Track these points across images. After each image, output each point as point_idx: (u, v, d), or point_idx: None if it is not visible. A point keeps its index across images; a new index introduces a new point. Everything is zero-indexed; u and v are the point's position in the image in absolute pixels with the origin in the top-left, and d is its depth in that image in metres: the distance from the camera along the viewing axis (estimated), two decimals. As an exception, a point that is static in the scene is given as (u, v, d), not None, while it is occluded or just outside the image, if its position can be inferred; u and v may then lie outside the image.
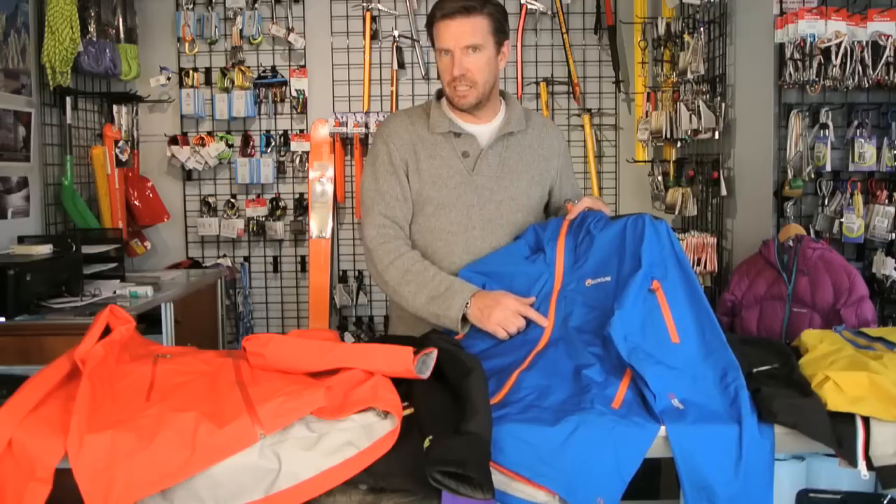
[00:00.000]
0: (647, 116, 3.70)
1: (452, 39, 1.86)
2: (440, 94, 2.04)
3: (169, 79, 3.96)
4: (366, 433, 1.29)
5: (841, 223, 2.74)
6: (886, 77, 2.63)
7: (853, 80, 2.64)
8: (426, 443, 1.26)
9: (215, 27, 3.97)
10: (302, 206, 4.07)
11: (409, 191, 1.97)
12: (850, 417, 1.38)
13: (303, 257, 4.12)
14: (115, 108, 3.91)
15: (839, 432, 1.37)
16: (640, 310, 1.58)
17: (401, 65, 3.99)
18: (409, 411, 1.36)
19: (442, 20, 1.88)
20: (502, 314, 1.71)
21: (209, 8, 3.97)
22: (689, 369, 1.48)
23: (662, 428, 1.35)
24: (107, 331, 1.57)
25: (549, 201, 2.11)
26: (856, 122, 2.79)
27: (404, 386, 1.43)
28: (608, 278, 1.69)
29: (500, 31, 1.92)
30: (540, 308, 1.73)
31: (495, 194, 1.96)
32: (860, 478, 1.36)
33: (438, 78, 3.95)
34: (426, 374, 1.45)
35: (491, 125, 2.00)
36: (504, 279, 1.83)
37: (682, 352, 1.51)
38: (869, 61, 2.64)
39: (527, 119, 2.04)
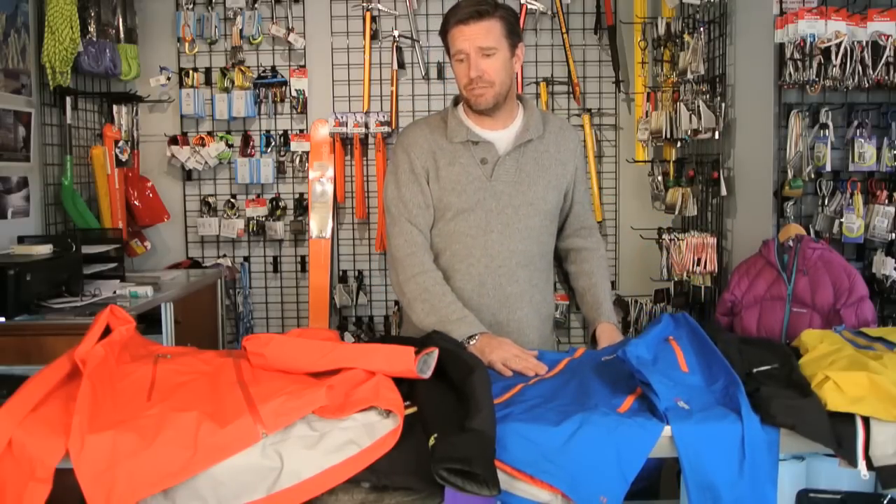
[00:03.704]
0: (647, 116, 3.70)
1: (467, 43, 1.90)
2: (456, 101, 2.06)
3: (169, 79, 3.96)
4: (367, 432, 1.30)
5: (841, 223, 2.74)
6: (886, 77, 2.62)
7: (853, 80, 2.64)
8: (431, 441, 1.26)
9: (215, 27, 3.96)
10: (302, 206, 4.07)
11: (431, 198, 2.00)
12: (849, 417, 1.38)
13: (303, 257, 4.12)
14: (115, 108, 3.90)
15: (839, 432, 1.37)
16: (654, 348, 1.63)
17: (401, 65, 3.98)
18: (410, 410, 1.36)
19: (456, 26, 1.91)
20: (506, 354, 1.75)
21: (209, 8, 3.97)
22: (694, 393, 1.49)
23: (667, 428, 1.35)
24: (107, 331, 1.57)
25: (566, 204, 2.14)
26: (856, 122, 2.79)
27: (405, 385, 1.44)
28: None
29: (514, 34, 1.95)
30: (547, 368, 1.74)
31: (513, 199, 1.99)
32: (860, 478, 1.36)
33: (438, 77, 3.98)
34: (427, 374, 1.45)
35: (508, 131, 2.02)
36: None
37: (690, 379, 1.54)
38: (869, 61, 2.63)
39: (544, 123, 2.06)
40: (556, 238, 2.18)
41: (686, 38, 3.38)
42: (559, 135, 2.08)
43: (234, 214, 4.06)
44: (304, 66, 4.02)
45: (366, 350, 1.49)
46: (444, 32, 1.96)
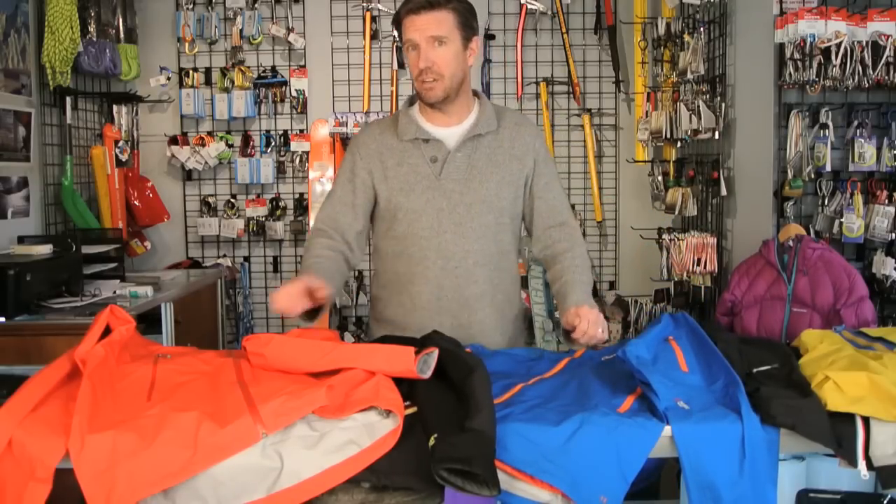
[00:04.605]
0: (647, 116, 3.70)
1: (417, 32, 1.88)
2: (412, 101, 2.04)
3: (169, 79, 3.96)
4: (367, 432, 1.30)
5: (841, 223, 2.74)
6: (886, 77, 2.62)
7: (853, 80, 2.64)
8: (431, 441, 1.26)
9: (215, 27, 3.96)
10: (302, 206, 4.07)
11: (365, 199, 2.00)
12: (849, 417, 1.38)
13: (302, 257, 4.12)
14: (115, 108, 3.91)
15: (839, 432, 1.37)
16: (653, 348, 1.63)
17: (401, 65, 3.98)
18: (410, 410, 1.36)
19: (407, 16, 1.89)
20: (276, 293, 1.74)
21: (209, 8, 3.97)
22: (694, 393, 1.49)
23: (667, 428, 1.35)
24: (107, 331, 1.57)
25: (528, 201, 2.05)
26: (856, 122, 2.79)
27: (405, 385, 1.44)
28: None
29: (467, 27, 1.92)
30: (547, 368, 1.71)
31: (464, 197, 1.95)
32: (860, 478, 1.36)
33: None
34: (427, 374, 1.45)
35: (461, 127, 1.99)
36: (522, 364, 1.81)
37: (690, 379, 1.54)
38: (869, 61, 2.63)
39: (499, 118, 2.02)
40: (533, 243, 2.09)
41: (686, 38, 3.38)
42: (514, 130, 2.02)
43: (234, 214, 4.06)
44: (304, 66, 4.02)
45: (366, 350, 1.49)
46: (396, 22, 1.94)
